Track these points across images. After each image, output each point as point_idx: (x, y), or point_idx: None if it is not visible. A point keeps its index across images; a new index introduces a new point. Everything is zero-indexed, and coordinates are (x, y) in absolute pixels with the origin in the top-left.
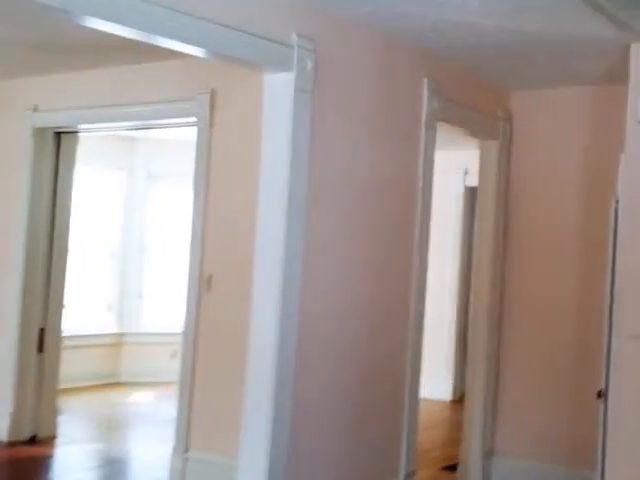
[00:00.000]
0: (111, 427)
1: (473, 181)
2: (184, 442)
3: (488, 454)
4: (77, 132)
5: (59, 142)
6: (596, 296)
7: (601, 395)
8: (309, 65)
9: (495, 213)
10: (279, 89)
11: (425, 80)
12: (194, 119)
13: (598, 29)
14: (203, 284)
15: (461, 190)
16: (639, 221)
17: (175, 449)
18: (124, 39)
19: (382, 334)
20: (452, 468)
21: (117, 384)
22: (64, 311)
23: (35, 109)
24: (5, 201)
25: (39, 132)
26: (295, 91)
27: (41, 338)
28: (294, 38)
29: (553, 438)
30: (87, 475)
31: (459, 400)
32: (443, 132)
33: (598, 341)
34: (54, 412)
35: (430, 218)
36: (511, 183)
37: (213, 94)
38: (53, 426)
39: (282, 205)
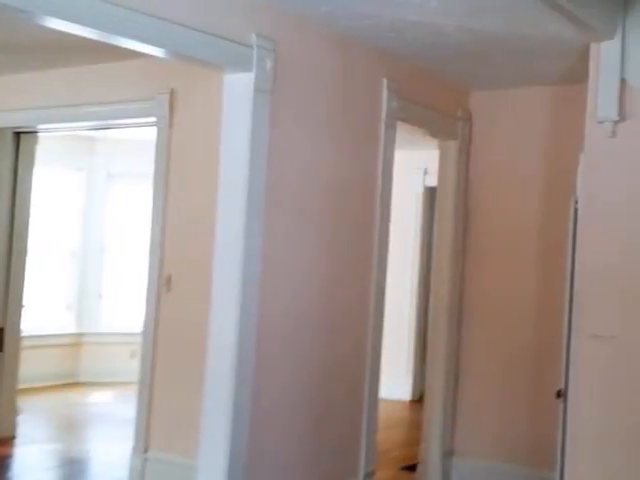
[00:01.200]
0: (70, 427)
1: (433, 181)
2: (143, 442)
3: (448, 454)
4: (36, 132)
5: (18, 142)
6: (555, 296)
7: (560, 395)
8: (268, 65)
9: (454, 213)
10: (238, 89)
11: (384, 80)
12: (153, 119)
13: (558, 29)
14: (162, 284)
15: (421, 190)
16: (598, 221)
17: (134, 449)
18: (84, 39)
19: (342, 334)
20: (412, 468)
21: (76, 384)
22: (23, 311)
23: None
24: None
25: None
26: (254, 91)
27: (0, 338)
28: (253, 38)
29: (512, 438)
30: (46, 475)
31: (419, 400)
32: (403, 132)
33: (557, 341)
34: (13, 412)
35: (390, 218)
36: (470, 183)
37: (172, 94)
38: (12, 426)
39: (241, 205)
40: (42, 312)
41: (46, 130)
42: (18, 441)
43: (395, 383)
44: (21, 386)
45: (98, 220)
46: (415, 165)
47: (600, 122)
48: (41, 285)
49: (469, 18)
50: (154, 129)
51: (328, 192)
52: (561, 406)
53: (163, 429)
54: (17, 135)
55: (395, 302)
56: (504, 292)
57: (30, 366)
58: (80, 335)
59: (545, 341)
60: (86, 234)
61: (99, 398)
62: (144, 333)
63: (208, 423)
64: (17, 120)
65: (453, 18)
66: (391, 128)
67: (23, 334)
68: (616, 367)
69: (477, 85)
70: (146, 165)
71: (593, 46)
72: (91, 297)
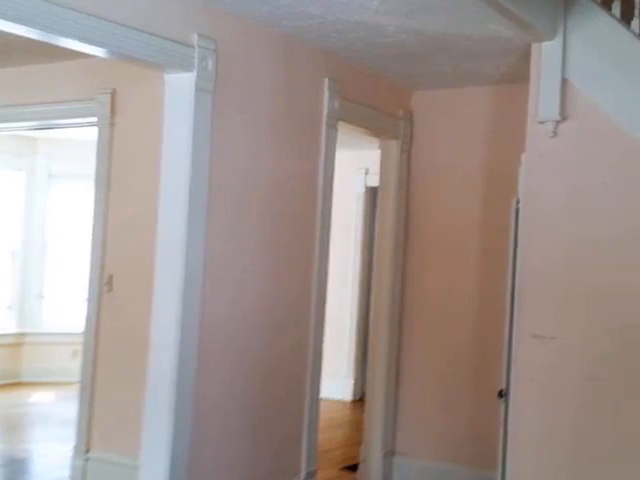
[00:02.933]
0: (12, 427)
1: (374, 181)
2: (85, 442)
3: (389, 454)
4: None
5: None
6: (497, 296)
7: (502, 395)
8: (210, 65)
9: (396, 213)
10: (180, 89)
11: (326, 80)
12: (95, 119)
13: (499, 29)
14: (104, 284)
15: (362, 190)
16: (539, 221)
17: (76, 449)
18: (25, 39)
19: (283, 334)
20: (353, 468)
21: (18, 384)
22: None
23: None
24: None
25: None
26: (196, 91)
27: None
28: (195, 38)
29: (454, 438)
30: None
31: (360, 400)
32: (344, 132)
33: (499, 341)
34: None
35: (331, 218)
36: (412, 183)
37: (114, 94)
38: None
39: (183, 205)
40: None
41: None
42: None
43: (336, 383)
44: None
45: (39, 220)
46: (356, 165)
47: (541, 122)
48: None
49: (410, 18)
50: (96, 129)
51: (270, 192)
52: (502, 406)
53: (104, 429)
54: None
55: (336, 302)
56: (445, 292)
57: None
58: (21, 335)
59: (486, 341)
60: (27, 234)
61: (41, 398)
62: (85, 333)
63: (149, 423)
64: None
65: (394, 18)
66: (332, 128)
67: None
68: (557, 367)
69: (419, 85)
70: (88, 165)
71: (534, 46)
72: (32, 297)
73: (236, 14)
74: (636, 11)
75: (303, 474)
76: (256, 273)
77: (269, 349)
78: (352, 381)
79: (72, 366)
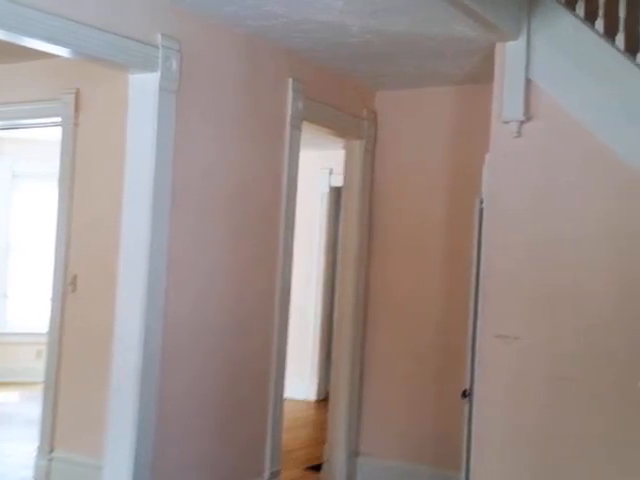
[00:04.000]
0: None
1: (338, 181)
2: (49, 442)
3: (353, 454)
4: None
5: None
6: (461, 296)
7: (466, 395)
8: (174, 65)
9: (360, 213)
10: (144, 89)
11: (290, 80)
12: (59, 119)
13: (463, 29)
14: (68, 284)
15: (326, 190)
16: (503, 221)
17: (40, 449)
18: None
19: (247, 334)
20: (317, 468)
21: None
22: None
23: None
24: None
25: None
26: (160, 91)
27: None
28: (159, 38)
29: (418, 438)
30: None
31: (324, 400)
32: (308, 132)
33: (463, 341)
34: None
35: (295, 218)
36: (376, 183)
37: (78, 94)
38: None
39: (147, 205)
40: None
41: None
42: None
43: (300, 383)
44: None
45: (3, 220)
46: (321, 165)
47: (506, 122)
48: None
49: (374, 18)
50: (60, 129)
51: (234, 192)
52: (466, 406)
53: (68, 429)
54: None
55: (301, 301)
56: (409, 292)
57: None
58: None
59: (451, 341)
60: None
61: (5, 398)
62: (50, 333)
63: (113, 423)
64: None
65: (359, 18)
66: (296, 128)
67: None
68: (521, 367)
69: (383, 85)
70: (52, 165)
71: (498, 46)
72: None
73: (200, 14)
74: (600, 11)
75: (267, 474)
76: (220, 273)
77: (233, 349)
78: (316, 381)
79: (36, 366)
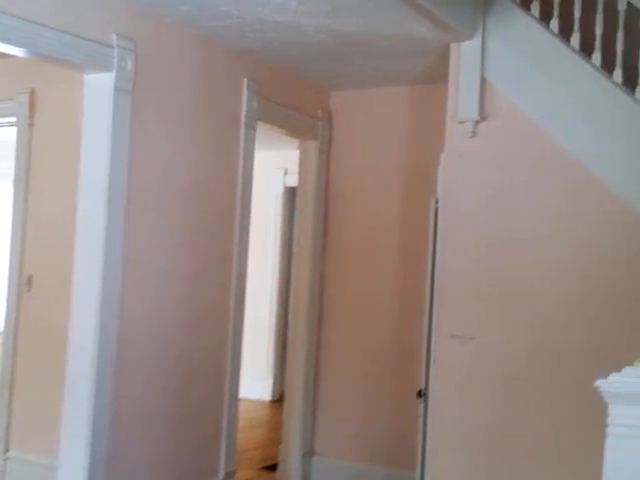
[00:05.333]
0: None
1: (293, 181)
2: (4, 442)
3: (308, 454)
4: None
5: None
6: (416, 296)
7: (421, 394)
8: (129, 65)
9: (315, 213)
10: (99, 89)
11: (245, 80)
12: (14, 119)
13: (418, 29)
14: (23, 284)
15: (281, 190)
16: (458, 221)
17: None
18: None
19: (202, 334)
20: (272, 468)
21: None
22: None
23: None
24: None
25: None
26: (115, 91)
27: None
28: (114, 38)
29: (373, 438)
30: None
31: (279, 400)
32: (263, 132)
33: (418, 341)
34: None
35: (250, 218)
36: (330, 183)
37: (33, 94)
38: None
39: (102, 205)
40: None
41: None
42: None
43: (255, 383)
44: None
45: None
46: (275, 165)
47: (461, 122)
48: None
49: (329, 18)
50: (15, 129)
51: (189, 192)
52: (421, 406)
53: (24, 429)
54: None
55: (256, 302)
56: (365, 292)
57: None
58: None
59: (406, 341)
60: None
61: None
62: (4, 333)
63: (68, 423)
64: None
65: (314, 18)
66: (251, 128)
67: None
68: (476, 367)
69: (338, 85)
70: (7, 165)
71: (453, 46)
72: None
73: (155, 14)
74: (555, 11)
75: (222, 474)
76: (175, 273)
77: (188, 349)
78: (271, 381)
79: None
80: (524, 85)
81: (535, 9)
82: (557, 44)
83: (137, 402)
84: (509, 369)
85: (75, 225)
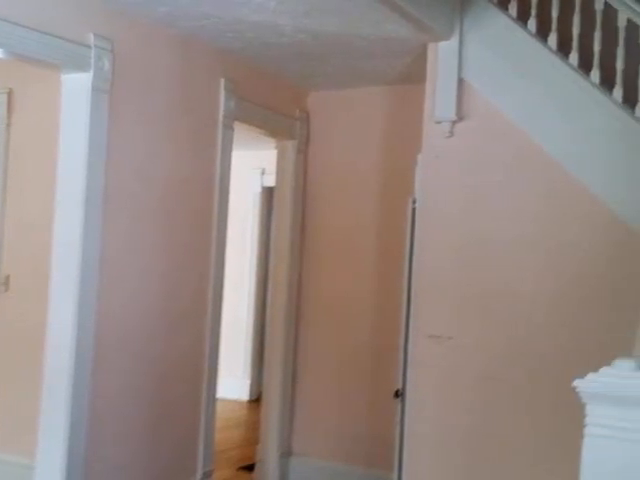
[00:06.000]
0: None
1: (271, 181)
2: None
3: (285, 454)
4: None
5: None
6: (394, 296)
7: (398, 395)
8: (106, 65)
9: (292, 213)
10: (76, 89)
11: (222, 80)
12: None
13: (396, 29)
14: (0, 284)
15: (258, 190)
16: (436, 221)
17: None
18: None
19: (180, 334)
20: (249, 468)
21: None
22: None
23: None
24: None
25: None
26: (92, 91)
27: None
28: (91, 38)
29: (350, 438)
30: None
31: (256, 400)
32: (241, 132)
33: (396, 341)
34: None
35: (227, 218)
36: (308, 183)
37: (10, 94)
38: None
39: (79, 205)
40: None
41: None
42: None
43: (233, 383)
44: None
45: None
46: (253, 165)
47: (438, 122)
48: None
49: (307, 18)
50: None
51: (166, 192)
52: (399, 406)
53: (1, 429)
54: None
55: (233, 302)
56: (342, 292)
57: None
58: None
59: (384, 341)
60: None
61: None
62: None
63: (46, 423)
64: None
65: (291, 18)
66: (229, 128)
67: None
68: (453, 367)
69: (315, 85)
70: None
71: (431, 46)
72: None
73: (133, 14)
74: (532, 11)
75: (200, 474)
76: (152, 273)
77: (166, 349)
78: (249, 381)
79: None
80: (502, 85)
81: (513, 9)
82: (535, 44)
83: (115, 402)
84: (486, 369)
85: (53, 225)
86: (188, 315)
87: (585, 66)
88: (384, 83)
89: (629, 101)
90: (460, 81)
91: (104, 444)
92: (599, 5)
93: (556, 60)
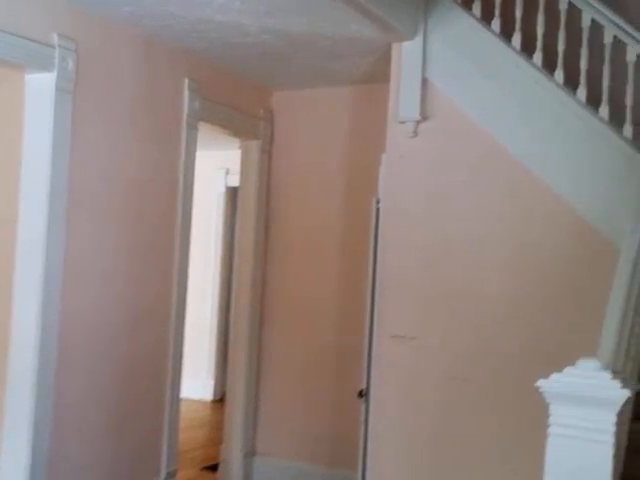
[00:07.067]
0: None
1: (235, 181)
2: None
3: (249, 454)
4: None
5: None
6: (358, 296)
7: (362, 395)
8: (70, 65)
9: (256, 213)
10: (40, 89)
11: (186, 80)
12: None
13: (360, 29)
14: None
15: (222, 190)
16: (399, 221)
17: None
18: None
19: (144, 334)
20: (213, 468)
21: None
22: None
23: None
24: None
25: None
26: (56, 91)
27: None
28: (55, 38)
29: (314, 438)
30: None
31: (220, 400)
32: (205, 132)
33: (360, 341)
34: None
35: (191, 218)
36: (272, 183)
37: None
38: None
39: (43, 205)
40: None
41: None
42: None
43: (197, 383)
44: None
45: None
46: (217, 165)
47: (402, 122)
48: None
49: (271, 18)
50: None
51: (130, 192)
52: (363, 406)
53: None
54: None
55: (197, 302)
56: (306, 292)
57: None
58: None
59: (348, 341)
60: None
61: None
62: None
63: (9, 423)
64: None
65: (256, 18)
66: (193, 128)
67: None
68: (417, 367)
69: (279, 85)
70: None
71: (395, 46)
72: None
73: (97, 14)
74: (496, 11)
75: (163, 474)
76: (116, 273)
77: (130, 348)
78: (212, 381)
79: None
80: (465, 85)
81: (477, 9)
82: (498, 44)
83: (79, 402)
84: (451, 369)
85: (16, 225)
86: (152, 315)
87: (549, 66)
88: (348, 83)
89: (593, 101)
90: (424, 81)
91: (68, 444)
92: (563, 5)
93: (520, 60)
